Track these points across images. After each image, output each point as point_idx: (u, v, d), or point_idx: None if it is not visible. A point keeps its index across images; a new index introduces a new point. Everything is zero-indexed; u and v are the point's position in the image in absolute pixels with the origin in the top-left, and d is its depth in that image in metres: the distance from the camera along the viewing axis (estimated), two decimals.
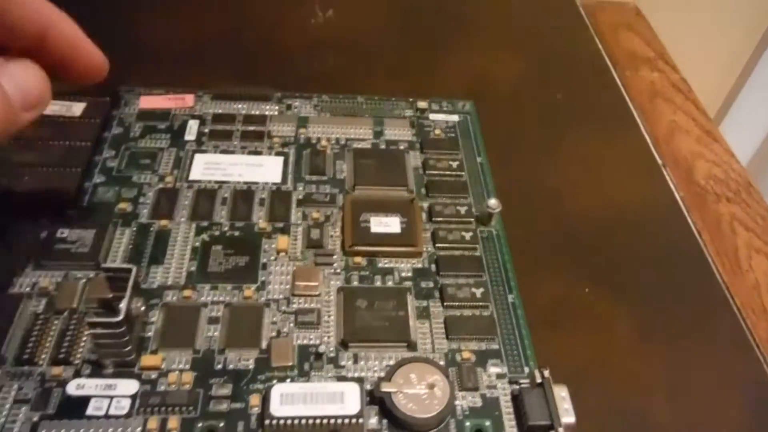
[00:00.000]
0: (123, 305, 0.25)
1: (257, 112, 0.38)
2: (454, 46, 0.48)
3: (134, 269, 0.26)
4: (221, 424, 0.25)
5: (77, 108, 0.36)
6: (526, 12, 0.52)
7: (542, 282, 0.33)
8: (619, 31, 0.50)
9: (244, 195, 0.33)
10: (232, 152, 0.36)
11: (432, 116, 0.40)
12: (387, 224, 0.32)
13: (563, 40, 0.50)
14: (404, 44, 0.48)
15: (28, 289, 0.29)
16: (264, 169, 0.35)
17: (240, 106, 0.39)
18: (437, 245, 0.32)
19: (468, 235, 0.32)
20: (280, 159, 0.36)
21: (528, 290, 0.31)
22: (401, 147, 0.37)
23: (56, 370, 0.26)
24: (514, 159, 0.39)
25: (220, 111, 0.38)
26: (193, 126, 0.37)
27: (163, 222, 0.32)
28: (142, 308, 0.28)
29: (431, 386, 0.26)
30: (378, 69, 0.46)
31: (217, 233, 0.32)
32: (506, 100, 0.43)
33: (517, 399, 0.26)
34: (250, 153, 0.36)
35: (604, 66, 0.47)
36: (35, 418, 0.24)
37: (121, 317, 0.24)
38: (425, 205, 0.34)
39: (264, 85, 0.40)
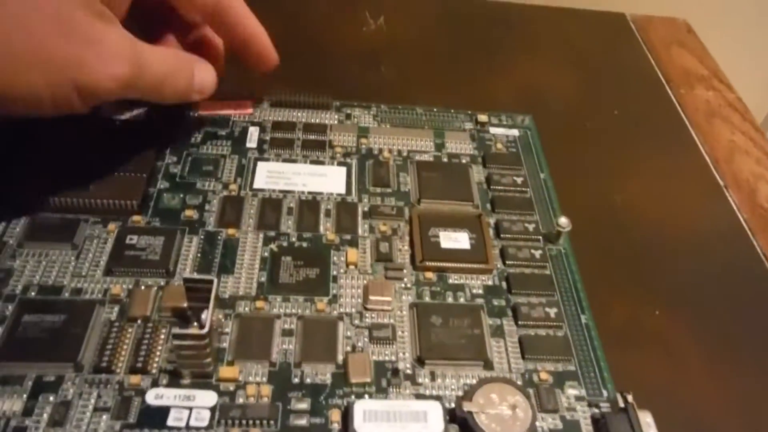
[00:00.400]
0: (207, 317, 0.24)
1: (317, 121, 0.38)
2: (507, 57, 0.48)
3: (215, 281, 0.25)
4: None
5: (139, 112, 0.36)
6: (577, 25, 0.52)
7: (610, 302, 0.32)
8: (671, 48, 0.50)
9: (309, 205, 0.33)
10: (294, 161, 0.36)
11: (492, 130, 0.39)
12: (456, 239, 0.32)
13: (616, 55, 0.50)
14: (456, 54, 0.48)
15: (99, 295, 0.28)
16: (327, 180, 0.35)
17: (299, 114, 0.38)
18: (507, 262, 0.32)
19: (537, 253, 0.32)
20: (343, 169, 0.35)
21: (596, 310, 0.31)
22: (463, 160, 0.37)
23: (134, 379, 0.25)
24: (575, 175, 0.38)
25: (279, 118, 0.38)
26: (253, 133, 0.37)
27: (231, 231, 0.31)
28: (222, 320, 0.27)
29: (513, 407, 0.25)
30: (431, 79, 0.45)
31: (285, 244, 0.31)
32: (563, 115, 0.43)
33: (599, 423, 0.26)
34: (313, 162, 0.36)
35: (658, 83, 0.47)
36: (117, 427, 0.24)
37: (206, 329, 0.24)
38: (492, 221, 0.34)
39: (320, 93, 0.40)
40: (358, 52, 0.47)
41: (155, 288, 0.29)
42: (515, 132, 0.39)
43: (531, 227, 0.33)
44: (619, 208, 0.37)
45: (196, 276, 0.27)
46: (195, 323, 0.26)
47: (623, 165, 0.40)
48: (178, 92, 0.31)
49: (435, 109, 0.40)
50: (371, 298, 0.29)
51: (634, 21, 0.53)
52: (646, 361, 0.30)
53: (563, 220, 0.32)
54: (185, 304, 0.27)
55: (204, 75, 0.32)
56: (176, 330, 0.24)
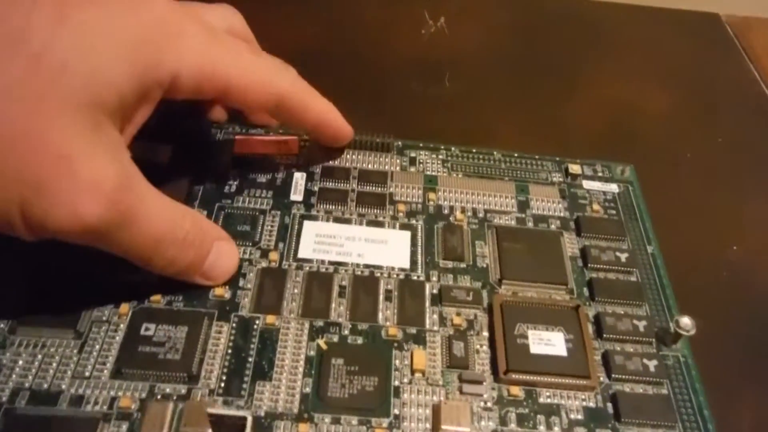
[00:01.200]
0: None
1: (375, 167, 0.32)
2: (588, 66, 0.41)
3: (249, 419, 0.19)
4: None
5: (164, 152, 0.30)
6: (665, 28, 0.45)
7: (740, 404, 0.26)
8: None
9: (366, 284, 0.27)
10: (348, 221, 0.29)
11: (586, 184, 0.32)
12: (549, 341, 0.25)
13: (712, 65, 0.42)
14: (530, 61, 0.41)
15: (105, 407, 0.22)
16: (388, 248, 0.28)
17: (353, 156, 0.32)
18: (614, 376, 0.25)
19: (652, 365, 0.25)
20: (407, 234, 0.29)
21: (722, 419, 0.24)
22: (552, 226, 0.30)
23: None
24: (677, 223, 0.32)
25: (330, 162, 0.32)
26: (299, 181, 0.31)
27: (270, 318, 0.25)
28: None
29: None
30: (503, 94, 0.39)
31: (336, 339, 0.25)
32: (658, 142, 0.36)
33: None
34: (370, 224, 0.29)
35: (765, 100, 0.39)
36: None
37: None
38: (590, 312, 0.27)
39: (374, 117, 0.33)
40: (416, 62, 0.40)
41: (174, 399, 0.23)
42: (614, 187, 0.32)
43: (641, 325, 0.26)
44: (739, 268, 0.31)
45: (224, 412, 0.21)
46: None
47: (738, 209, 0.33)
48: (176, 267, 0.24)
49: (516, 154, 0.33)
50: (444, 428, 0.23)
51: (730, 23, 0.45)
52: None
53: (686, 322, 0.26)
54: (209, 430, 0.21)
55: (223, 260, 0.26)
56: None
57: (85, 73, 0.20)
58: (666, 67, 0.42)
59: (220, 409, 0.22)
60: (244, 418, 0.20)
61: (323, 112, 0.29)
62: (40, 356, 0.24)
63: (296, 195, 0.30)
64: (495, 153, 0.33)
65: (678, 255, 0.30)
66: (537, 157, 0.33)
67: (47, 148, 0.19)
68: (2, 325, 0.24)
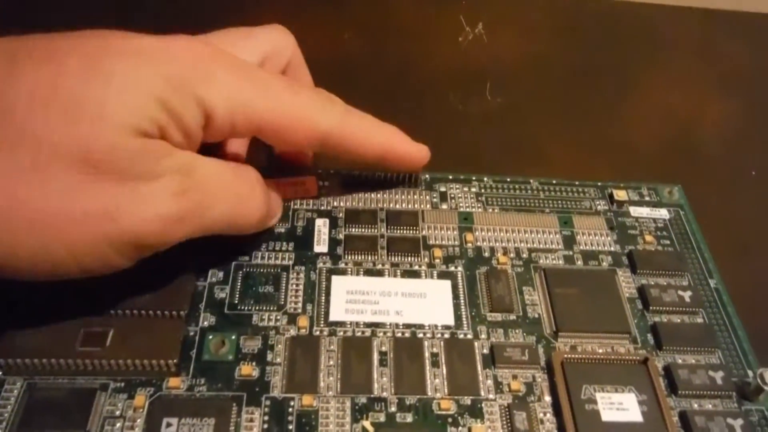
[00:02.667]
0: None
1: (403, 205, 0.29)
2: (638, 77, 0.39)
3: None
4: None
5: None
6: (720, 32, 0.42)
7: None
8: None
9: (409, 348, 0.24)
10: (381, 273, 0.26)
11: (633, 211, 0.30)
12: (621, 405, 0.23)
13: None
14: (573, 70, 0.39)
15: None
16: (428, 303, 0.25)
17: (378, 195, 0.29)
18: None
19: (737, 425, 0.23)
20: (447, 284, 0.26)
21: None
22: (604, 263, 0.27)
23: None
24: (741, 252, 0.29)
25: (353, 203, 0.28)
26: (322, 229, 0.27)
27: (306, 398, 0.22)
28: None
29: None
30: (546, 104, 0.36)
31: (382, 418, 0.22)
32: (719, 159, 0.33)
33: None
34: (405, 274, 0.26)
35: None
36: None
37: None
38: (659, 364, 0.24)
39: (409, 133, 0.30)
40: (454, 72, 0.37)
41: None
42: (664, 213, 0.30)
43: (718, 377, 0.24)
44: None
45: None
46: None
47: None
48: (263, 216, 0.25)
49: (554, 181, 0.30)
50: None
51: None
52: None
53: None
54: None
55: (273, 194, 0.26)
56: None
57: (119, 110, 0.19)
58: (724, 74, 0.39)
59: None
60: None
61: (385, 143, 0.26)
62: None
63: (320, 246, 0.27)
64: (532, 181, 0.30)
65: (744, 290, 0.27)
66: (577, 183, 0.30)
67: (106, 180, 0.19)
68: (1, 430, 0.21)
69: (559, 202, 0.29)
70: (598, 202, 0.30)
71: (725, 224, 0.30)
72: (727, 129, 0.36)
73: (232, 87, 0.22)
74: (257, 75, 0.23)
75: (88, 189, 0.19)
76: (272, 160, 0.29)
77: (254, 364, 0.23)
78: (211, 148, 0.24)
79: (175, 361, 0.22)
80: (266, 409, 0.22)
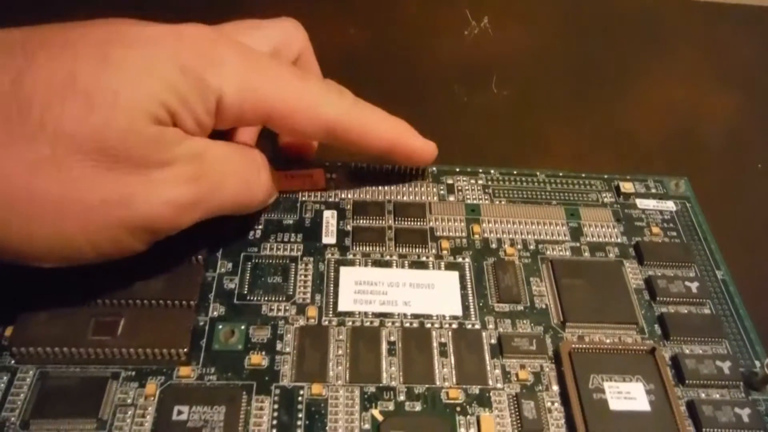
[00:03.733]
0: None
1: (410, 198, 0.29)
2: (644, 70, 0.39)
3: None
4: None
5: None
6: (729, 29, 0.42)
7: None
8: None
9: (417, 338, 0.24)
10: (389, 264, 0.26)
11: (640, 203, 0.30)
12: (629, 394, 0.23)
13: None
14: (579, 63, 0.39)
15: None
16: (436, 293, 0.26)
17: (386, 187, 0.29)
18: (705, 431, 0.22)
19: (745, 414, 0.23)
20: (455, 275, 0.26)
21: None
22: (611, 254, 0.28)
23: None
24: (748, 244, 0.29)
25: (361, 196, 0.29)
26: (330, 221, 0.28)
27: (316, 387, 0.23)
28: None
29: None
30: (552, 97, 0.36)
31: (391, 407, 0.22)
32: (725, 151, 0.34)
33: None
34: (413, 265, 0.26)
35: None
36: None
37: None
38: (667, 354, 0.24)
39: (415, 126, 0.30)
40: (460, 65, 0.38)
41: None
42: (670, 205, 0.30)
43: (726, 367, 0.24)
44: None
45: None
46: None
47: None
48: (267, 195, 0.25)
49: (561, 174, 0.30)
50: None
51: None
52: None
53: None
54: None
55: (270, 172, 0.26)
56: None
57: (133, 97, 0.20)
58: (729, 67, 0.39)
59: None
60: None
61: (392, 136, 0.26)
62: None
63: (328, 237, 0.27)
64: (538, 174, 0.30)
65: (751, 281, 0.27)
66: (584, 175, 0.30)
67: (121, 169, 0.20)
68: (13, 419, 0.21)
69: (566, 194, 0.30)
70: (604, 195, 0.30)
71: (732, 216, 0.30)
72: (733, 121, 0.36)
73: (242, 73, 0.22)
74: (267, 62, 0.23)
75: (105, 177, 0.19)
76: (278, 151, 0.29)
77: (264, 353, 0.23)
78: (222, 138, 0.24)
79: (185, 349, 0.22)
80: (276, 398, 0.22)
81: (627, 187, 0.30)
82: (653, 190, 0.30)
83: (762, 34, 0.42)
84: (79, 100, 0.19)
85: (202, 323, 0.24)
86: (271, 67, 0.23)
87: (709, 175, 0.31)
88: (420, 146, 0.27)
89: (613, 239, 0.28)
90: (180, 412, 0.21)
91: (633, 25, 0.42)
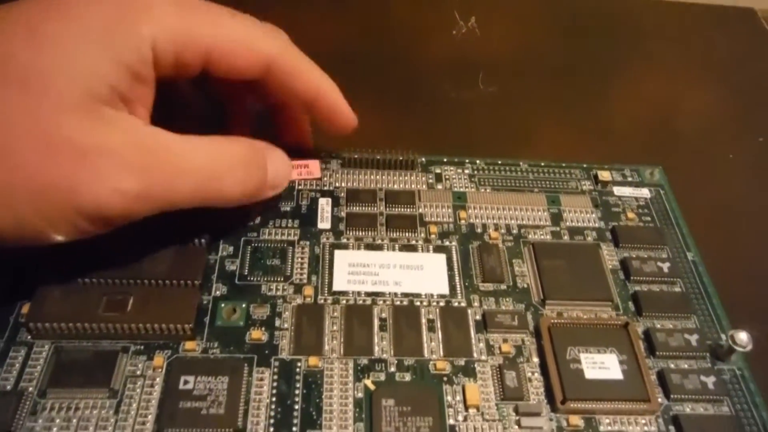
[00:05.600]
0: None
1: (401, 186, 0.30)
2: (623, 67, 0.41)
3: None
4: None
5: None
6: (703, 28, 0.44)
7: None
8: None
9: (407, 315, 0.26)
10: (380, 247, 0.28)
11: (616, 190, 0.31)
12: (603, 365, 0.25)
13: (751, 63, 0.42)
14: (563, 61, 0.41)
15: None
16: (425, 274, 0.27)
17: (378, 176, 0.31)
18: (672, 396, 0.24)
19: (710, 382, 0.25)
20: (442, 258, 0.28)
21: None
22: (589, 238, 0.29)
23: None
24: (718, 228, 0.31)
25: (354, 184, 0.30)
26: (325, 207, 0.29)
27: (312, 360, 0.24)
28: None
29: None
30: (536, 93, 0.38)
31: (383, 377, 0.24)
32: (698, 142, 0.35)
33: None
34: (404, 248, 0.28)
35: None
36: None
37: None
38: (640, 329, 0.26)
39: (405, 120, 0.32)
40: (448, 64, 0.39)
41: None
42: (645, 193, 0.31)
43: (693, 340, 0.26)
44: None
45: None
46: None
47: None
48: (247, 191, 0.25)
49: (542, 164, 0.32)
50: None
51: (766, 19, 0.44)
52: None
53: (742, 338, 0.25)
54: None
55: (278, 165, 0.26)
56: None
57: (69, 75, 0.20)
58: (703, 64, 0.41)
59: None
60: None
61: (320, 85, 0.26)
62: (75, 421, 0.22)
63: (324, 223, 0.29)
64: (521, 164, 0.32)
65: (720, 262, 0.29)
66: (564, 165, 0.32)
67: (68, 153, 0.20)
68: (31, 389, 0.23)
69: (547, 182, 0.31)
70: (583, 183, 0.32)
71: (702, 202, 0.32)
72: (706, 115, 0.38)
73: (172, 15, 0.22)
74: (198, 2, 0.23)
75: (47, 165, 0.19)
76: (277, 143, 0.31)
77: (263, 329, 0.25)
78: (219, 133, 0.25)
79: (190, 325, 0.24)
80: (275, 369, 0.24)
81: (604, 175, 0.32)
82: (629, 179, 0.32)
83: (734, 33, 0.44)
84: (16, 86, 0.19)
85: (205, 302, 0.26)
86: (203, 6, 0.23)
87: (681, 165, 0.33)
88: (342, 107, 0.27)
89: (591, 224, 0.30)
90: (186, 382, 0.23)
91: (613, 24, 0.44)
